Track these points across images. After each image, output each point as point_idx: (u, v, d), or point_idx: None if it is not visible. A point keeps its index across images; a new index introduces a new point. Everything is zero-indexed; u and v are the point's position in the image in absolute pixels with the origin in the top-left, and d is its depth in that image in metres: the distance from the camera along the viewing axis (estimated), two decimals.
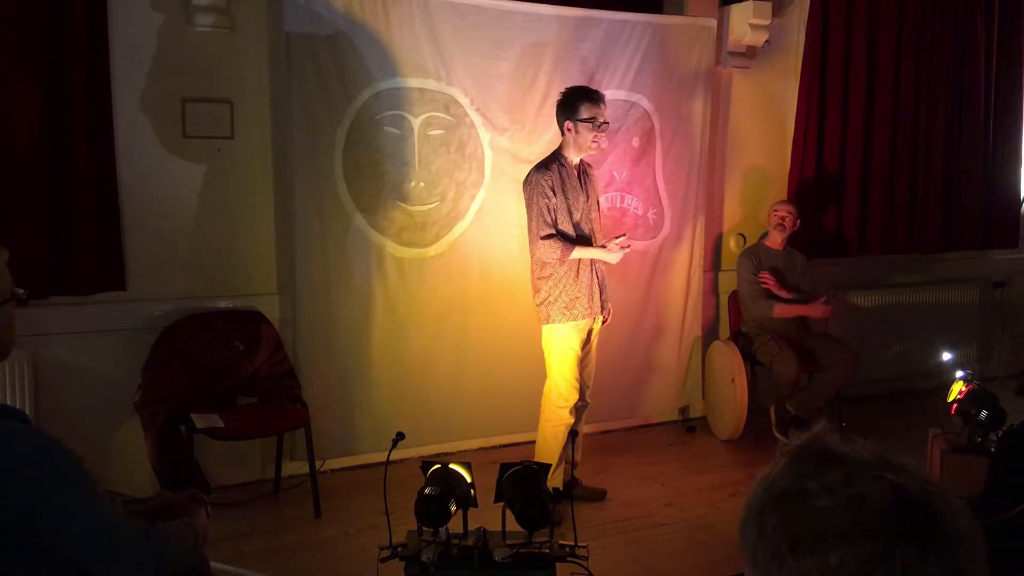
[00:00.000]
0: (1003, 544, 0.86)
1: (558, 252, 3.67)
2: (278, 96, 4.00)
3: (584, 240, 3.76)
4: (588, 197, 3.81)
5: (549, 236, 3.67)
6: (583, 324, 3.78)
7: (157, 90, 3.81)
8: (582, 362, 3.85)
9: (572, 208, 3.73)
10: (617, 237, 3.80)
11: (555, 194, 3.68)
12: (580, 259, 3.72)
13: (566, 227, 3.73)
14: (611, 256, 3.77)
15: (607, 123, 3.76)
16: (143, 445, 3.64)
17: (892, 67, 5.40)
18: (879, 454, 0.85)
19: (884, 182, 5.49)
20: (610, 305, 3.91)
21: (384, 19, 4.03)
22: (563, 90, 3.81)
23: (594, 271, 3.79)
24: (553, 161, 3.76)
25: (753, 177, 5.30)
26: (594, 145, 3.74)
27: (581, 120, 3.68)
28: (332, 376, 4.12)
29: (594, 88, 3.88)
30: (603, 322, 3.90)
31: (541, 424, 3.86)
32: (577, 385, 3.81)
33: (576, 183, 3.76)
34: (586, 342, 3.85)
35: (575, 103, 3.71)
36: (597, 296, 3.80)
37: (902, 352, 5.69)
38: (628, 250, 3.84)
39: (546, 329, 3.79)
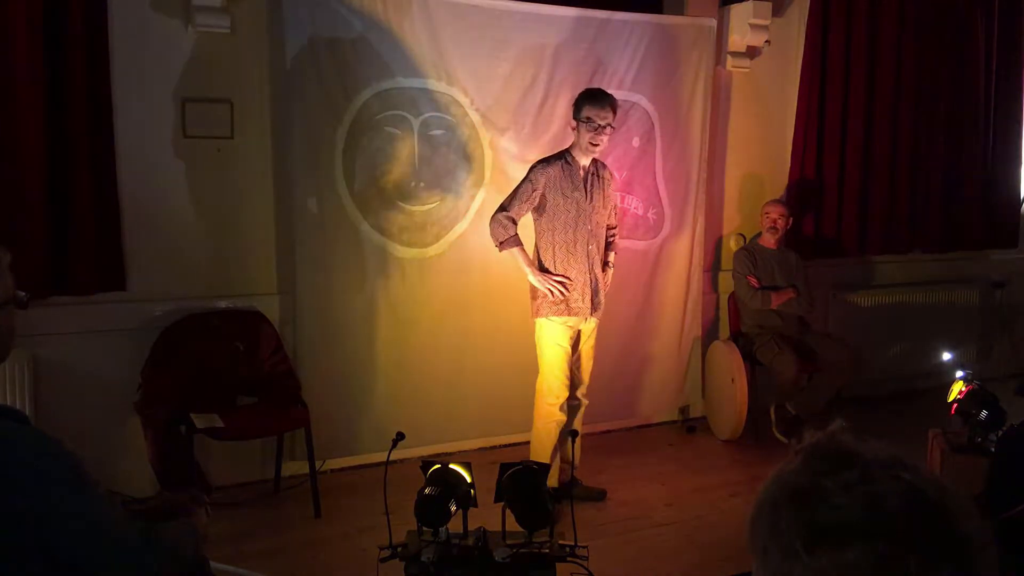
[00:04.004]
0: (1003, 544, 0.86)
1: (502, 234, 3.73)
2: (278, 96, 4.00)
3: (570, 240, 3.75)
4: (591, 199, 3.79)
5: (507, 216, 3.72)
6: (573, 322, 3.79)
7: (157, 90, 3.81)
8: (575, 361, 3.87)
9: (567, 206, 3.74)
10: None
11: (546, 189, 3.72)
12: (574, 256, 3.75)
13: (556, 223, 3.75)
14: (534, 280, 3.75)
15: (610, 126, 3.74)
16: (143, 445, 3.64)
17: (892, 67, 5.40)
18: (894, 454, 0.85)
19: (884, 182, 5.49)
20: (602, 307, 3.89)
21: (384, 19, 4.03)
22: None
23: (590, 270, 3.79)
24: (559, 158, 3.80)
25: (753, 177, 5.30)
26: (591, 147, 3.74)
27: (580, 120, 3.71)
28: (332, 376, 4.12)
29: (603, 89, 3.86)
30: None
31: (534, 421, 3.89)
32: (567, 382, 3.83)
33: (578, 183, 3.76)
34: (577, 342, 3.86)
35: (579, 102, 3.76)
36: (589, 296, 3.80)
37: (902, 352, 5.69)
38: (553, 298, 3.74)
39: (537, 324, 3.83)
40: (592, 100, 3.73)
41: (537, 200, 3.77)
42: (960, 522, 0.80)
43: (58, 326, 3.68)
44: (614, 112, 3.76)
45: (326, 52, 3.94)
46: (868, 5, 5.28)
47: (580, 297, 3.78)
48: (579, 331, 3.87)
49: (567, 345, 3.82)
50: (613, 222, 4.03)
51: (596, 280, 3.83)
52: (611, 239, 4.01)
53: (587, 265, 3.78)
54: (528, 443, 3.99)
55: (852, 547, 0.78)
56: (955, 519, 0.80)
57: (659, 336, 4.93)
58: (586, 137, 3.72)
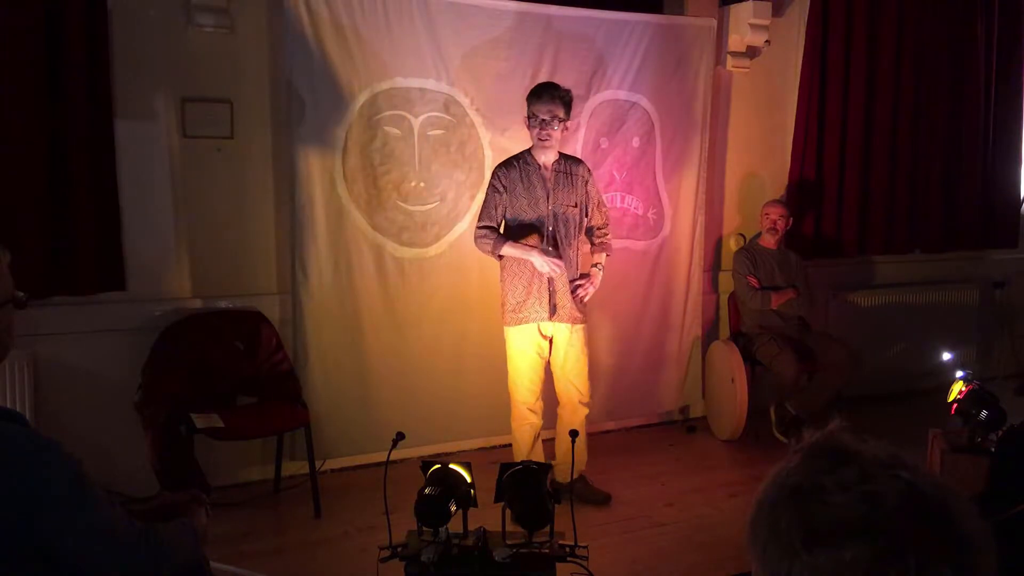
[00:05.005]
0: (1003, 544, 0.86)
1: (489, 245, 3.72)
2: (278, 96, 4.00)
3: (532, 241, 3.72)
4: (554, 198, 3.74)
5: (483, 227, 3.74)
6: (529, 328, 3.77)
7: (157, 90, 3.81)
8: (560, 371, 3.86)
9: (522, 206, 3.72)
10: (580, 277, 3.81)
11: (505, 190, 3.72)
12: (524, 262, 3.71)
13: (515, 224, 3.74)
14: (538, 263, 3.68)
15: (558, 119, 3.67)
16: (143, 445, 3.63)
17: (892, 67, 5.40)
18: (893, 453, 0.85)
19: (884, 182, 5.49)
20: (569, 313, 3.80)
21: (384, 19, 4.04)
22: None
23: (546, 275, 3.73)
24: (518, 158, 3.79)
25: (753, 177, 5.30)
26: (540, 142, 3.71)
27: (528, 116, 3.72)
28: (332, 376, 4.12)
29: (550, 83, 3.79)
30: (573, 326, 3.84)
31: (511, 421, 3.91)
32: (534, 388, 3.82)
33: (535, 181, 3.73)
34: (551, 349, 3.85)
35: (527, 100, 3.74)
36: (546, 300, 3.75)
37: (902, 352, 5.69)
38: (558, 272, 3.70)
39: (504, 331, 3.84)
40: (534, 95, 3.71)
41: (505, 201, 3.76)
42: (959, 521, 0.80)
43: (58, 326, 3.69)
44: (563, 104, 3.68)
45: (326, 52, 3.94)
46: (868, 5, 5.28)
47: (536, 301, 3.74)
48: (552, 337, 3.83)
49: (532, 351, 3.80)
50: (599, 222, 3.95)
51: (555, 283, 3.75)
52: (600, 240, 3.96)
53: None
54: None
55: (850, 545, 0.78)
56: (954, 518, 0.80)
57: (659, 336, 4.92)
58: (534, 133, 3.71)
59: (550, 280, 3.74)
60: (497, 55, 4.30)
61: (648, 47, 4.64)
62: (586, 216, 3.88)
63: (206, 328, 3.90)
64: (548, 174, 3.76)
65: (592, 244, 3.96)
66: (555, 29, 4.40)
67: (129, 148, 3.77)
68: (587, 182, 3.86)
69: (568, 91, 3.74)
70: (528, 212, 3.73)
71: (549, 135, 3.67)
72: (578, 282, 3.82)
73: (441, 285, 4.31)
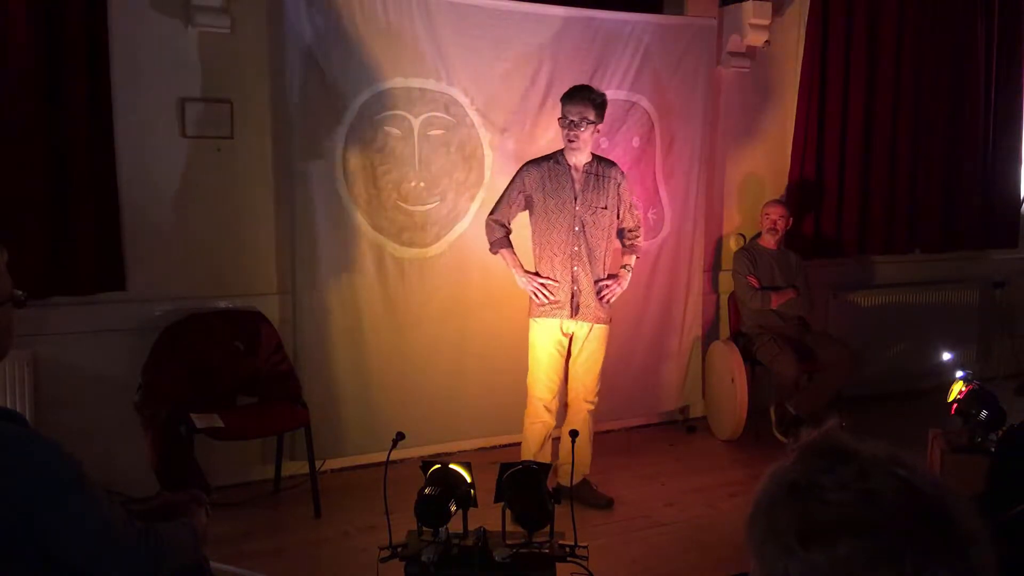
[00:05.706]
0: (1003, 544, 0.86)
1: (494, 237, 3.82)
2: (278, 96, 4.00)
3: (553, 241, 3.74)
4: (582, 199, 3.74)
5: (495, 220, 3.81)
6: (553, 323, 3.79)
7: (157, 90, 3.81)
8: (572, 366, 3.86)
9: (551, 206, 3.73)
10: (601, 283, 3.81)
11: (530, 190, 3.74)
12: (557, 257, 3.75)
13: (542, 223, 3.75)
14: (520, 281, 3.79)
15: (587, 121, 3.67)
16: (143, 445, 3.63)
17: (892, 67, 5.40)
18: (891, 451, 0.85)
19: (884, 182, 5.49)
20: (593, 313, 3.81)
21: (384, 19, 4.03)
22: None
23: (571, 272, 3.75)
24: (548, 159, 3.80)
25: (753, 177, 5.30)
26: (568, 144, 3.72)
27: (559, 118, 3.74)
28: (332, 376, 4.12)
29: (583, 85, 3.81)
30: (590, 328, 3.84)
31: (524, 419, 3.90)
32: (551, 386, 3.83)
33: (565, 182, 3.73)
34: (570, 346, 3.85)
35: (560, 102, 3.76)
36: (569, 299, 3.77)
37: (902, 352, 5.69)
38: (540, 296, 3.76)
39: (529, 323, 3.86)
40: (567, 97, 3.73)
41: (523, 202, 3.79)
42: (958, 520, 0.80)
43: (58, 326, 3.69)
44: (594, 107, 3.68)
45: (326, 52, 3.93)
46: (868, 5, 5.28)
47: (564, 296, 3.77)
48: (572, 335, 3.84)
49: (552, 347, 3.81)
50: (630, 224, 3.96)
51: (579, 283, 3.77)
52: (631, 242, 3.98)
53: (569, 267, 3.75)
54: None
55: (847, 543, 0.78)
56: (952, 517, 0.80)
57: (659, 336, 4.92)
58: (564, 134, 3.72)
59: (574, 279, 3.76)
60: (497, 55, 4.30)
61: (648, 47, 4.64)
62: (617, 218, 3.88)
63: (206, 328, 3.89)
64: (578, 176, 3.76)
65: (623, 246, 3.97)
66: (555, 29, 4.40)
67: (129, 148, 3.77)
68: (619, 184, 3.85)
69: (602, 94, 3.76)
70: (556, 212, 3.73)
71: (577, 136, 3.69)
72: (605, 283, 3.83)
73: (441, 285, 4.31)
